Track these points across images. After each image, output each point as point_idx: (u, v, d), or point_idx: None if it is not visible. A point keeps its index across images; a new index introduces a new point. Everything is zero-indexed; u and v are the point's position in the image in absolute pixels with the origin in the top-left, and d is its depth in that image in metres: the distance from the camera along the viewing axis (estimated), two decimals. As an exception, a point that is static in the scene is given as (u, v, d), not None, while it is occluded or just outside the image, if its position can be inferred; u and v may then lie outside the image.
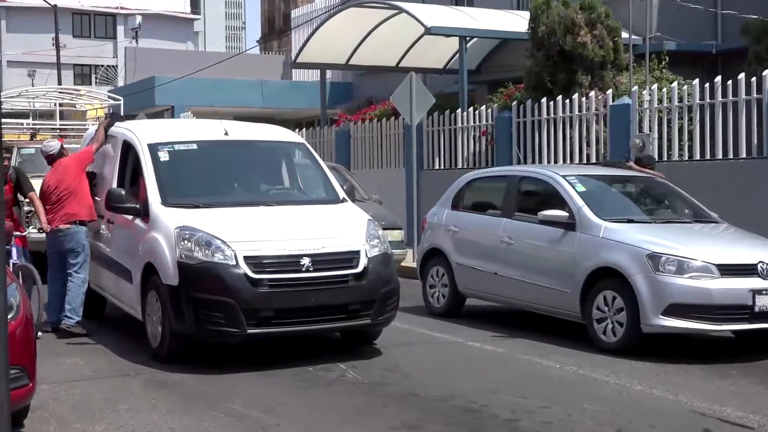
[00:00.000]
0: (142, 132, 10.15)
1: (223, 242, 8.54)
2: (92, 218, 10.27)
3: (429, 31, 20.21)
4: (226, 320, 8.38)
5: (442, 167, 19.50)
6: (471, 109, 19.16)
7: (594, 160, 16.01)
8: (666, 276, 8.91)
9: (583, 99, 16.39)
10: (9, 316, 5.45)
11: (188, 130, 10.72)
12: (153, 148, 9.71)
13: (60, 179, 10.19)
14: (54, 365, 8.66)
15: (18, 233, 9.83)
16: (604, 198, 10.51)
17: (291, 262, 8.58)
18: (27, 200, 10.68)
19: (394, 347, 9.51)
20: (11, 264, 9.38)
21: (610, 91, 16.20)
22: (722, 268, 8.94)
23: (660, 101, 15.08)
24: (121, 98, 21.67)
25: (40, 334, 9.48)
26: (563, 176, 10.43)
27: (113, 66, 55.54)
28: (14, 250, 9.63)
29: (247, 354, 9.07)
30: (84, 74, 59.84)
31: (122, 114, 20.48)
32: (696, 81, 14.83)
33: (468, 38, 20.93)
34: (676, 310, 8.85)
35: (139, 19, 51.07)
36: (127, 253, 9.60)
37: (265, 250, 8.59)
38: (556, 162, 16.60)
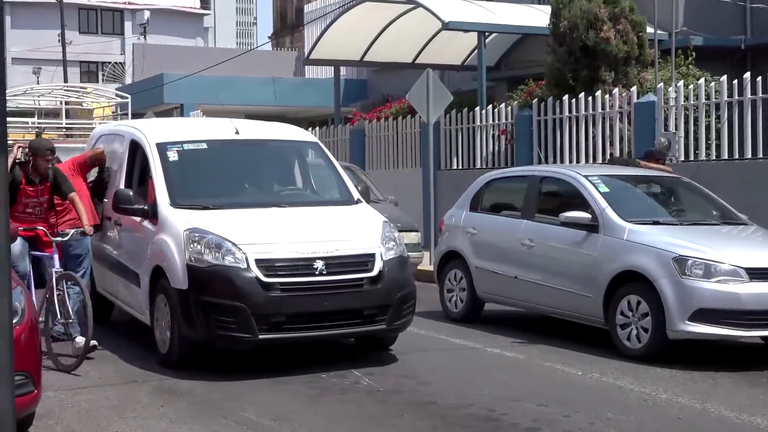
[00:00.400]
0: (150, 131, 10.19)
1: (234, 245, 8.55)
2: (96, 222, 10.25)
3: (447, 26, 20.20)
4: (237, 325, 8.39)
5: (460, 167, 19.49)
6: (490, 107, 19.14)
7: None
8: (693, 280, 8.87)
9: (607, 96, 16.35)
10: (14, 321, 5.46)
11: (198, 128, 10.75)
12: (162, 148, 9.74)
13: None
14: (59, 372, 8.69)
15: (58, 239, 9.44)
16: (628, 199, 10.49)
17: (304, 266, 8.59)
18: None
19: (411, 353, 9.50)
20: (54, 273, 9.12)
21: (634, 88, 16.15)
22: (751, 272, 8.90)
23: (686, 98, 15.03)
24: (129, 96, 21.76)
25: (94, 343, 9.15)
26: (586, 176, 10.40)
27: (121, 63, 55.72)
28: (56, 258, 9.24)
29: (258, 360, 9.08)
30: (91, 71, 60.12)
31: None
32: (724, 77, 14.77)
33: (487, 33, 20.90)
34: (703, 315, 8.81)
35: (147, 14, 51.22)
36: (135, 255, 9.63)
37: (277, 252, 8.60)
38: (578, 162, 16.56)
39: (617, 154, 15.87)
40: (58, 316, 9.06)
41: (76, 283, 9.17)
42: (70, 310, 9.04)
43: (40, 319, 9.25)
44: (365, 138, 22.46)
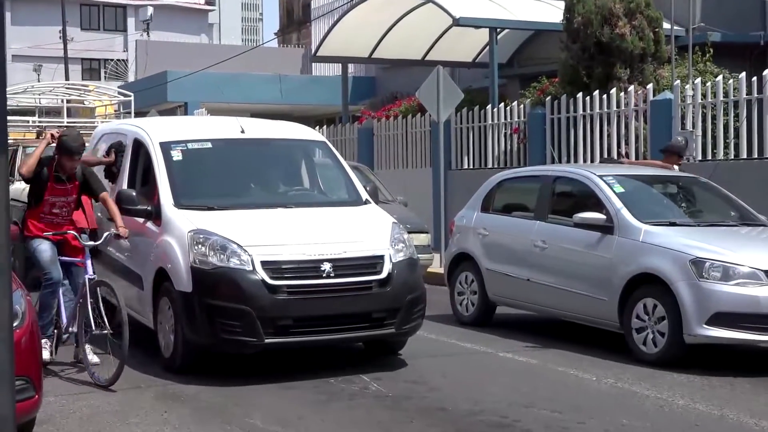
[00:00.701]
0: (153, 130, 10.20)
1: (239, 246, 8.56)
2: (93, 226, 10.12)
3: (457, 22, 20.20)
4: (243, 329, 8.40)
5: (471, 167, 19.48)
6: (502, 105, 19.13)
7: (634, 158, 15.93)
8: (711, 283, 8.86)
9: (622, 94, 16.32)
10: (14, 324, 5.47)
11: (202, 127, 10.78)
12: (165, 147, 9.75)
13: None
14: (61, 376, 8.71)
15: (90, 243, 8.97)
16: (643, 199, 10.47)
17: (311, 268, 8.60)
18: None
19: (420, 358, 9.50)
20: (87, 279, 8.70)
21: (650, 86, 16.12)
22: (771, 275, 8.88)
23: (704, 96, 14.99)
24: (132, 94, 21.79)
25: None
26: (600, 176, 10.39)
27: (123, 60, 55.86)
28: (89, 264, 8.82)
29: (264, 365, 9.08)
30: (93, 69, 60.26)
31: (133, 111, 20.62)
32: (743, 74, 14.73)
33: (499, 29, 20.90)
34: (721, 319, 8.80)
35: (150, 10, 51.33)
36: (138, 257, 9.64)
37: (284, 254, 8.61)
38: (592, 161, 16.54)
39: (632, 153, 15.85)
40: (93, 328, 8.54)
41: (112, 292, 8.70)
42: (105, 320, 8.49)
43: (72, 329, 8.92)
44: (374, 137, 22.46)
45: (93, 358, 8.87)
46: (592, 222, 9.96)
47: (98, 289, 8.69)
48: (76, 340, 9.00)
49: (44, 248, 8.98)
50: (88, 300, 8.64)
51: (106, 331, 8.51)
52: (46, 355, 8.68)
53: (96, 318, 8.54)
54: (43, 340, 8.61)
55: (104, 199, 9.34)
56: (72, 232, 9.08)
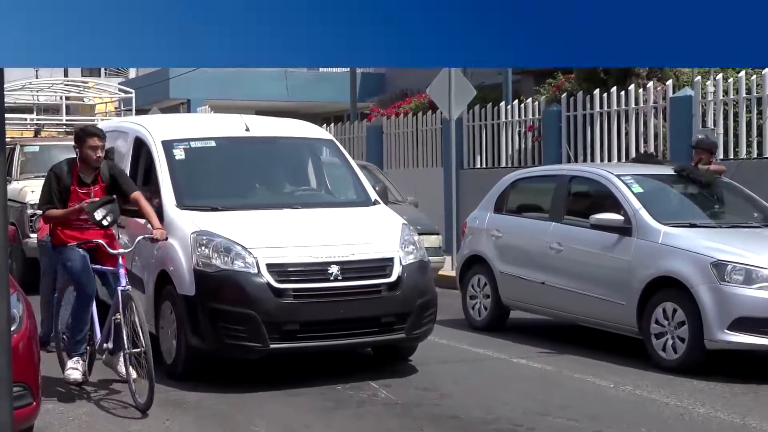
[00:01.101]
0: (155, 128, 10.22)
1: (244, 248, 8.57)
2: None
3: (470, 16, 20.17)
4: (247, 334, 8.41)
5: (484, 166, 19.48)
6: (516, 102, 19.12)
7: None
8: (732, 286, 8.84)
9: (640, 90, 16.31)
10: (11, 329, 5.48)
11: (206, 125, 10.80)
12: (167, 146, 9.77)
13: None
14: (60, 382, 8.72)
15: (121, 250, 8.32)
16: (663, 200, 10.47)
17: (318, 271, 8.61)
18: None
19: (431, 364, 9.50)
20: (120, 291, 8.02)
21: (670, 82, 16.11)
22: (796, 278, 8.86)
23: (725, 93, 14.97)
24: (133, 91, 21.86)
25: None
26: (618, 176, 10.38)
27: (124, 56, 55.90)
28: (122, 273, 8.10)
29: (270, 371, 9.09)
30: (92, 65, 60.35)
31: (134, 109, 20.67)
32: (766, 69, 14.70)
33: (513, 24, 20.87)
34: (743, 324, 8.78)
35: (152, 4, 51.38)
36: (139, 260, 9.65)
37: (290, 257, 8.62)
38: (609, 160, 16.53)
39: (651, 151, 15.81)
40: (126, 346, 7.91)
41: (136, 310, 8.03)
42: (142, 337, 7.82)
43: (106, 345, 8.35)
44: (383, 135, 22.47)
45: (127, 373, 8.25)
46: (609, 223, 9.95)
47: (131, 303, 8.15)
48: (106, 354, 8.47)
49: (76, 257, 8.28)
50: (124, 314, 8.01)
51: (140, 349, 7.84)
52: (78, 375, 8.24)
53: (131, 334, 7.99)
54: (74, 358, 8.30)
55: (136, 199, 8.51)
56: (100, 241, 8.31)
